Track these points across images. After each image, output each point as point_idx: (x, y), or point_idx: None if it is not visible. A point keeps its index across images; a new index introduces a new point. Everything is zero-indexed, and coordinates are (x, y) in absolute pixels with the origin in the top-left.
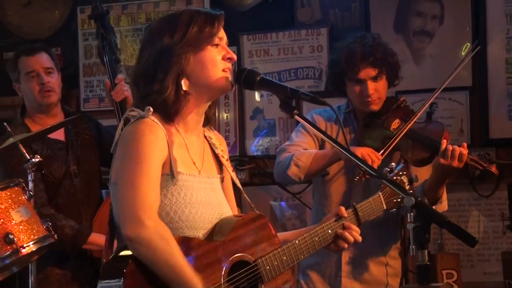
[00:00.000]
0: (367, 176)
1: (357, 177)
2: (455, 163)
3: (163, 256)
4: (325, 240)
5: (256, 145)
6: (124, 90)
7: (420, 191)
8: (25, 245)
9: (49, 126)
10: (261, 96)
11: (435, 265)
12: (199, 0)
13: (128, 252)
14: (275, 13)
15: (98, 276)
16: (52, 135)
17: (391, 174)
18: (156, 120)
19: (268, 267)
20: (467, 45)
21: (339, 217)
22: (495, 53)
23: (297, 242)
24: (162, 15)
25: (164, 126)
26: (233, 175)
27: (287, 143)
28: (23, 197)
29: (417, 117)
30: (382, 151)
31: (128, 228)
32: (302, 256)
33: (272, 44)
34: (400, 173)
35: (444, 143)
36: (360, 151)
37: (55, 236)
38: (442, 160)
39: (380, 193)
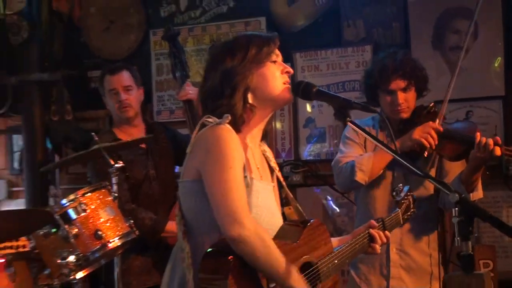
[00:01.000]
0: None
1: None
2: (489, 154)
3: (263, 254)
4: (364, 248)
5: (308, 151)
6: (189, 90)
7: (457, 182)
8: (111, 240)
9: (130, 140)
10: (313, 107)
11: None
12: (256, 23)
13: (220, 254)
14: (324, 33)
15: None
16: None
17: (398, 198)
18: (230, 128)
19: (325, 269)
20: (499, 58)
21: (369, 227)
22: None
23: (343, 248)
24: (223, 39)
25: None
26: (282, 179)
27: (339, 155)
28: (109, 198)
29: (443, 108)
30: (438, 126)
31: (230, 229)
32: (348, 261)
33: (322, 61)
34: (408, 194)
35: (478, 136)
36: (416, 132)
37: (136, 232)
38: (477, 152)
39: (399, 210)
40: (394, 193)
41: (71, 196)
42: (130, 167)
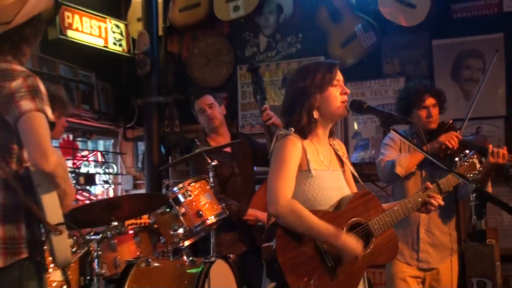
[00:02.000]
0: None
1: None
2: (501, 160)
3: (298, 223)
4: (416, 206)
5: (355, 156)
6: (268, 113)
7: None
8: (209, 218)
9: (220, 145)
10: (359, 123)
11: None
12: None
13: (274, 224)
14: (368, 68)
15: (254, 238)
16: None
17: (465, 158)
18: (297, 136)
19: (376, 226)
20: (502, 89)
21: (425, 189)
22: None
23: (396, 208)
24: (296, 68)
25: (303, 140)
26: (352, 168)
27: (381, 157)
28: (207, 187)
29: (464, 126)
30: (459, 135)
31: (271, 208)
32: (400, 218)
33: (366, 89)
34: (473, 157)
35: (490, 147)
36: (443, 137)
37: (227, 212)
38: (491, 159)
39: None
40: (463, 155)
41: (180, 185)
42: (219, 166)
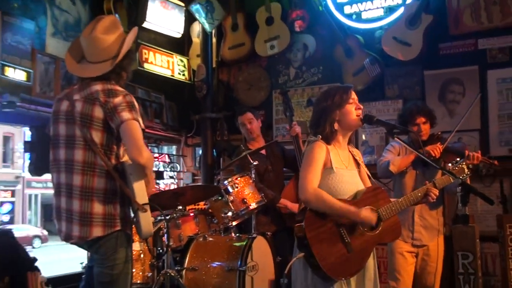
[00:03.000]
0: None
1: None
2: (475, 161)
3: (323, 206)
4: (417, 199)
5: (364, 159)
6: (296, 129)
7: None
8: (251, 205)
9: (257, 148)
10: (366, 134)
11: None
12: None
13: (304, 209)
14: (374, 92)
15: (285, 221)
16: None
17: (456, 163)
18: (322, 142)
19: (384, 213)
20: (477, 108)
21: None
22: (493, 109)
23: (400, 200)
24: (321, 91)
25: (327, 145)
26: (366, 170)
27: (381, 158)
28: (250, 181)
29: (448, 140)
30: (441, 147)
31: (301, 195)
32: (404, 207)
33: (372, 108)
34: (463, 163)
35: (467, 151)
36: (429, 147)
37: (265, 200)
38: (468, 161)
39: (448, 175)
40: (454, 162)
41: (229, 179)
42: (257, 165)
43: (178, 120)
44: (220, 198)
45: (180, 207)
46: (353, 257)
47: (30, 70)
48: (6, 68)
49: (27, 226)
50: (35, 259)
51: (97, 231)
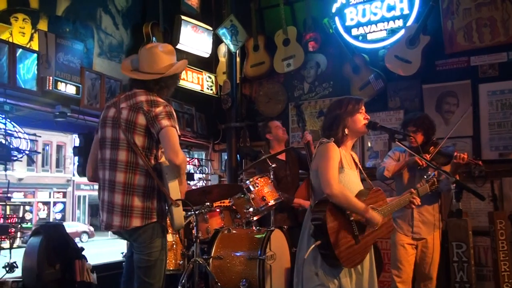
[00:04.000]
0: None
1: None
2: (461, 162)
3: (344, 201)
4: (405, 202)
5: (369, 163)
6: (307, 137)
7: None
8: (270, 202)
9: (276, 152)
10: (371, 141)
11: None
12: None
13: (323, 201)
14: (378, 103)
15: (297, 217)
16: (279, 156)
17: (429, 177)
18: (334, 144)
19: (382, 213)
20: (470, 117)
21: (410, 193)
22: (484, 118)
23: (393, 203)
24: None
25: (338, 148)
26: (363, 171)
27: (381, 163)
28: (269, 181)
29: (441, 145)
30: (430, 155)
31: (326, 190)
32: (395, 209)
33: (376, 118)
34: (433, 177)
35: (456, 153)
36: (417, 157)
37: (282, 198)
38: (455, 161)
39: (426, 184)
40: (425, 177)
41: (251, 179)
42: (277, 169)
43: (206, 129)
44: (242, 195)
45: (208, 204)
46: (358, 249)
47: (79, 85)
48: (59, 83)
49: (76, 223)
50: (82, 249)
51: (136, 222)
